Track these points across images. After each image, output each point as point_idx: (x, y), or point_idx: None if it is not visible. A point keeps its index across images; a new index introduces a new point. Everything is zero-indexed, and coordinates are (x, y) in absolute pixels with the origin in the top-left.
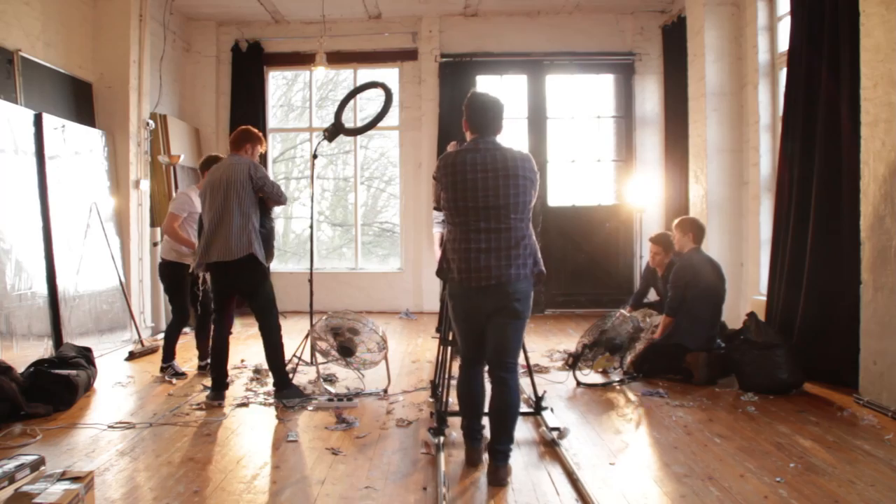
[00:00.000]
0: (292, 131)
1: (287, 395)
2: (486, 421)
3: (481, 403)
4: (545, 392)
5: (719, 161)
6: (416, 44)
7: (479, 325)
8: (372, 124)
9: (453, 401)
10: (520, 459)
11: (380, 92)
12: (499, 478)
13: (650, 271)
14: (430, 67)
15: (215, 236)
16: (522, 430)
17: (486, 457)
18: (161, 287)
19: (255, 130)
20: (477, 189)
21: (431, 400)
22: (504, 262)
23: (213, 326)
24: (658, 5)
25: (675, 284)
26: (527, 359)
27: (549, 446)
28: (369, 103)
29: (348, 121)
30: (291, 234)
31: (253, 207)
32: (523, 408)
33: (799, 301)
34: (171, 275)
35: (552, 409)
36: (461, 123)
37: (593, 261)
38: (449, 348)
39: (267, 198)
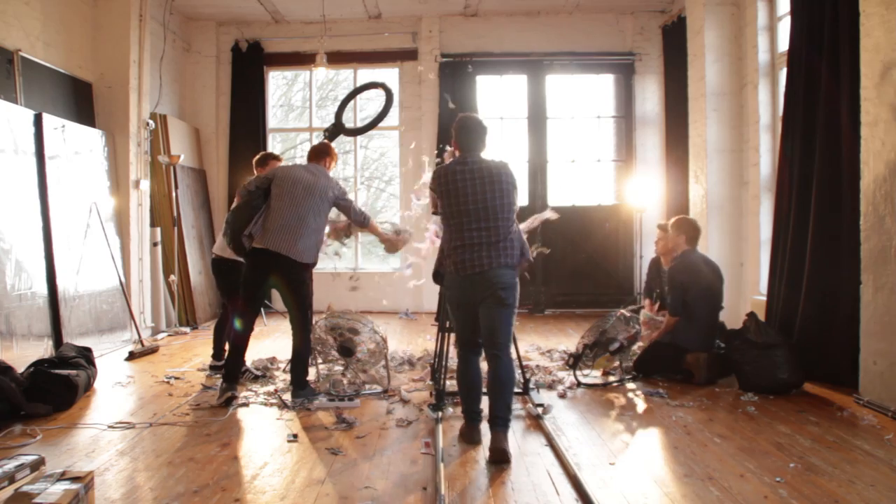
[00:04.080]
0: (292, 131)
1: (303, 394)
2: (484, 402)
3: (479, 388)
4: (532, 374)
5: (719, 161)
6: (416, 44)
7: (471, 311)
8: (372, 125)
9: (450, 384)
10: (512, 428)
11: (380, 92)
12: (499, 443)
13: (656, 263)
14: (430, 67)
15: (281, 229)
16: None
17: (486, 431)
18: (162, 286)
19: (334, 148)
20: (467, 195)
21: (431, 382)
22: (493, 253)
23: (237, 316)
24: (658, 5)
25: (673, 286)
26: (516, 347)
27: (535, 419)
28: (369, 103)
29: (349, 121)
30: None
31: (325, 221)
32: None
33: (799, 301)
34: (226, 272)
35: (538, 390)
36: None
37: (593, 261)
38: (446, 335)
39: (349, 218)
